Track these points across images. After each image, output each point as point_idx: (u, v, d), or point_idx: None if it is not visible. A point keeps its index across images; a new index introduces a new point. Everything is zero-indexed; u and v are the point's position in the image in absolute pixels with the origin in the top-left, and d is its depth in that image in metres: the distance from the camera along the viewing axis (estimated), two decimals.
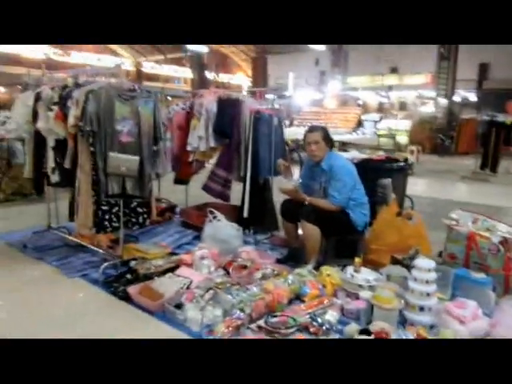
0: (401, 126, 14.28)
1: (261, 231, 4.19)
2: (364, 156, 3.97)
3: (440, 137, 13.50)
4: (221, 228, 3.48)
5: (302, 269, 3.00)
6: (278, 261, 3.39)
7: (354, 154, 4.06)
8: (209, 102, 4.30)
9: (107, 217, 3.09)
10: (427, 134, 14.11)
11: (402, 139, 13.73)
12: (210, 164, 4.49)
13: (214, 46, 25.95)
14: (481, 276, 2.68)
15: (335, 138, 9.80)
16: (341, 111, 10.89)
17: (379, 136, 10.55)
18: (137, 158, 3.03)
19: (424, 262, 2.49)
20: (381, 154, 4.25)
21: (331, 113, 10.55)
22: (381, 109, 17.15)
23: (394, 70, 20.84)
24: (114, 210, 3.10)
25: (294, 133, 9.53)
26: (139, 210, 3.20)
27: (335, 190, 3.20)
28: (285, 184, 3.42)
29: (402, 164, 4.00)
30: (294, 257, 3.40)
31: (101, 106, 3.02)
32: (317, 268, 3.06)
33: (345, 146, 10.19)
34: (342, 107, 12.49)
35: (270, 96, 18.64)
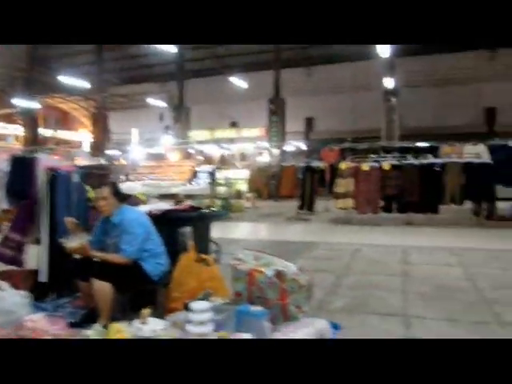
0: (241, 175, 15.34)
1: (66, 294, 3.91)
2: (167, 207, 4.10)
3: (274, 183, 14.84)
4: (2, 298, 3.13)
5: (90, 329, 2.87)
6: (72, 324, 3.18)
7: (158, 206, 4.15)
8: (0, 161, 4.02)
9: None
10: (264, 182, 15.38)
11: (243, 187, 14.72)
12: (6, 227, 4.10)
13: (51, 102, 24.60)
14: (257, 309, 2.91)
15: (173, 190, 10.00)
16: (177, 164, 11.25)
17: (217, 185, 11.14)
18: None
19: (196, 304, 2.61)
20: (187, 204, 4.44)
21: (167, 166, 10.81)
22: (223, 160, 18.16)
23: (234, 124, 22.57)
24: None
25: (129, 188, 9.41)
26: None
27: (126, 242, 3.20)
28: (73, 242, 3.28)
29: (203, 212, 4.23)
30: (90, 317, 3.24)
31: None
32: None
33: (187, 197, 10.41)
34: (181, 161, 12.89)
35: (113, 152, 18.20)
